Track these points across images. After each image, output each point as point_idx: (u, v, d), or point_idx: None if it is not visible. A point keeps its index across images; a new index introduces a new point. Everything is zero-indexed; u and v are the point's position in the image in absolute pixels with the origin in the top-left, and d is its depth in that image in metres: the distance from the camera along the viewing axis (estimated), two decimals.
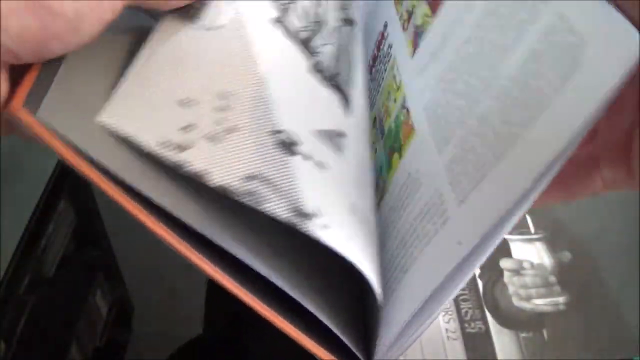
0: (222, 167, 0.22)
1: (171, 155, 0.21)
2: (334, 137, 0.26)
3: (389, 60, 0.35)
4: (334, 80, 0.28)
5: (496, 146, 0.24)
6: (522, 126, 0.23)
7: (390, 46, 0.35)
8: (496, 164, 0.23)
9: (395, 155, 0.31)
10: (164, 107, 0.22)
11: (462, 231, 0.24)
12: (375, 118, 0.36)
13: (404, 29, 0.33)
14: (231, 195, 0.21)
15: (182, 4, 0.23)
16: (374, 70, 0.37)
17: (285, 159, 0.23)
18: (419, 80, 0.30)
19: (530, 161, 0.22)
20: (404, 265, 0.28)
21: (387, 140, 0.33)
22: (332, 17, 0.31)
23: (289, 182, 0.23)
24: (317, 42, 0.28)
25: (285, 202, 0.22)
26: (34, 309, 0.38)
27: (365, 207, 0.27)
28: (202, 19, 0.24)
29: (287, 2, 0.28)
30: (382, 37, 0.37)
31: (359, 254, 0.24)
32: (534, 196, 0.22)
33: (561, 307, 0.40)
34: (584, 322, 0.39)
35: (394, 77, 0.33)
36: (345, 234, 0.23)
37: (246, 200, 0.21)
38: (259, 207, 0.21)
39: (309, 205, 0.22)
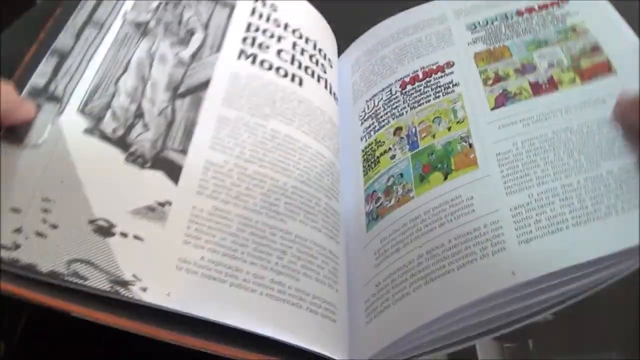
0: (49, 257, 0.27)
1: (6, 255, 0.26)
2: (152, 211, 0.31)
3: (447, 92, 0.39)
4: (159, 157, 0.33)
5: (580, 213, 0.28)
6: (613, 208, 0.27)
7: (454, 84, 0.39)
8: (577, 226, 0.27)
9: (437, 174, 0.35)
10: None
11: (518, 265, 0.27)
12: (401, 127, 0.40)
13: (486, 84, 0.38)
14: (61, 278, 0.26)
15: (18, 121, 0.30)
16: (409, 86, 0.42)
17: (103, 240, 0.29)
18: (497, 132, 0.34)
19: (612, 232, 0.26)
20: (427, 274, 0.30)
21: (421, 156, 0.37)
22: (158, 100, 0.36)
23: (107, 259, 0.28)
24: (135, 132, 0.33)
25: (106, 276, 0.27)
26: (34, 309, 0.39)
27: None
28: (27, 139, 0.31)
29: (98, 111, 0.33)
30: (440, 69, 0.41)
31: (191, 301, 0.28)
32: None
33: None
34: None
35: (454, 110, 0.38)
36: (164, 290, 0.28)
37: (73, 280, 0.26)
38: (85, 283, 0.27)
39: (127, 274, 0.28)
